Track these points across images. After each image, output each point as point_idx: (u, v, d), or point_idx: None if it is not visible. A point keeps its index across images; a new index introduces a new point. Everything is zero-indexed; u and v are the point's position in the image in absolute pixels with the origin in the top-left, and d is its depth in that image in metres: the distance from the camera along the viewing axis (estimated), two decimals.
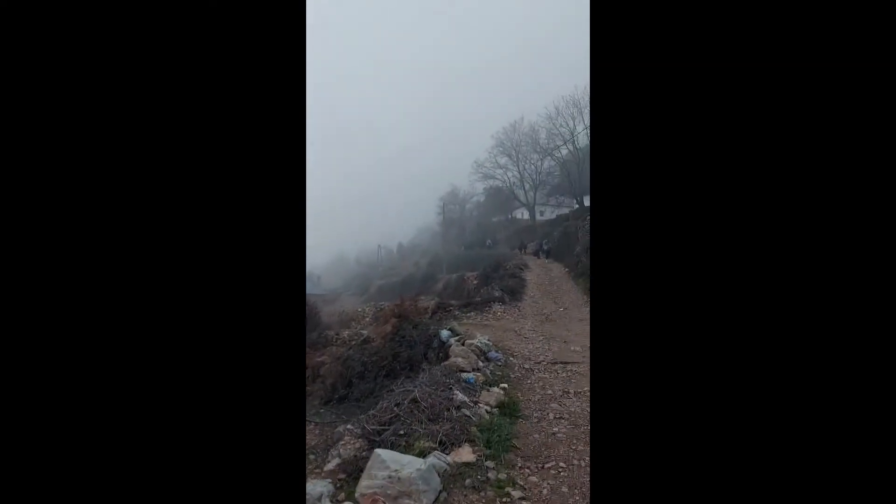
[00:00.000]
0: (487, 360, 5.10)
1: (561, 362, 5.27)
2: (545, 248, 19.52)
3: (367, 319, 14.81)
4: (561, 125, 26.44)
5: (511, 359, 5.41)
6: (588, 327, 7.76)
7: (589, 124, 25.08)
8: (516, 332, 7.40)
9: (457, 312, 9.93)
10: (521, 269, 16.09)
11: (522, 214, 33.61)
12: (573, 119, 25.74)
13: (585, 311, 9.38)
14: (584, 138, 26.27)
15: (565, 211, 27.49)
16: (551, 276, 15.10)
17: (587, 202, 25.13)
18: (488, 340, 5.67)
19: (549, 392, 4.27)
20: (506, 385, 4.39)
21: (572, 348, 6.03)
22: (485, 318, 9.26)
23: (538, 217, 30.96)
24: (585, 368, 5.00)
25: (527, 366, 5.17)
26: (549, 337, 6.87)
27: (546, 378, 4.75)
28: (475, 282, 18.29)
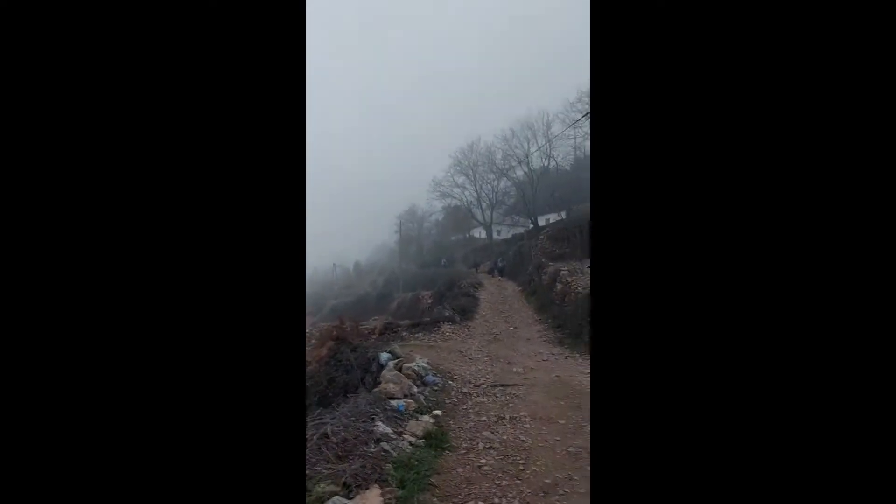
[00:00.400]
0: (424, 384, 4.80)
1: (501, 385, 5.07)
2: (500, 266, 19.63)
3: (315, 341, 14.09)
4: (516, 146, 27.17)
5: (450, 382, 5.14)
6: (534, 347, 7.72)
7: (542, 146, 25.95)
8: (462, 352, 7.17)
9: (405, 333, 9.59)
10: (476, 287, 16.02)
11: (480, 233, 33.90)
12: (528, 141, 26.53)
13: (534, 330, 9.35)
14: (537, 160, 27.11)
15: (521, 230, 27.99)
16: (504, 295, 15.09)
17: (541, 222, 25.74)
18: (427, 363, 5.38)
19: (483, 419, 4.03)
20: (439, 412, 4.11)
21: (514, 370, 5.86)
22: (433, 338, 8.98)
23: (495, 236, 31.30)
24: (524, 391, 4.83)
25: (465, 389, 4.92)
26: (493, 358, 6.69)
27: (483, 402, 4.51)
28: (430, 301, 18.03)
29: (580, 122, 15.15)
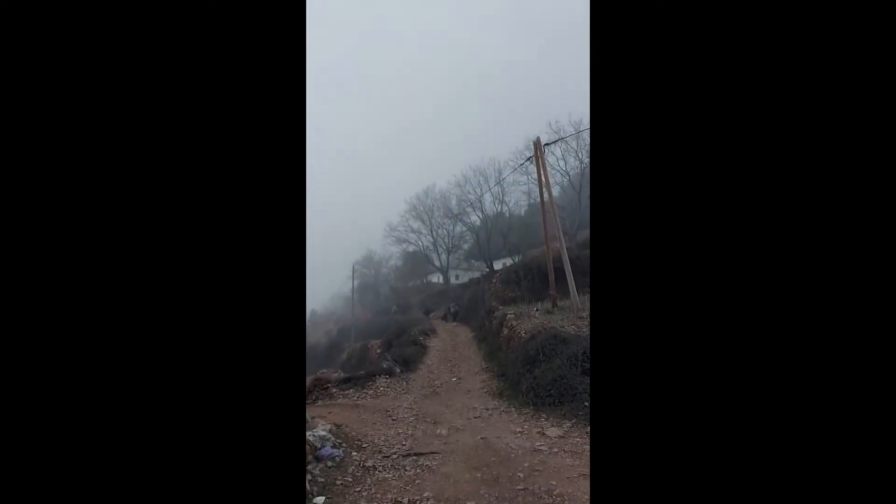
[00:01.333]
0: (317, 459, 3.95)
1: (415, 454, 4.28)
2: (453, 311, 19.04)
3: None
4: (469, 192, 27.52)
5: (354, 453, 4.30)
6: (471, 400, 6.99)
7: (494, 191, 26.41)
8: (388, 412, 6.32)
9: (335, 390, 8.59)
10: (427, 334, 15.31)
11: (438, 279, 33.39)
12: (480, 186, 26.95)
13: (478, 381, 8.65)
14: (490, 205, 27.49)
15: (477, 275, 27.73)
16: (456, 342, 14.40)
17: (497, 266, 25.65)
18: (330, 431, 4.53)
19: None
20: (321, 499, 3.28)
21: (438, 431, 5.09)
22: (363, 395, 8.06)
23: (453, 281, 30.88)
24: (440, 460, 4.07)
25: (370, 462, 4.10)
26: (421, 417, 5.89)
27: (386, 480, 3.71)
28: (378, 350, 17.03)
29: (524, 164, 15.48)
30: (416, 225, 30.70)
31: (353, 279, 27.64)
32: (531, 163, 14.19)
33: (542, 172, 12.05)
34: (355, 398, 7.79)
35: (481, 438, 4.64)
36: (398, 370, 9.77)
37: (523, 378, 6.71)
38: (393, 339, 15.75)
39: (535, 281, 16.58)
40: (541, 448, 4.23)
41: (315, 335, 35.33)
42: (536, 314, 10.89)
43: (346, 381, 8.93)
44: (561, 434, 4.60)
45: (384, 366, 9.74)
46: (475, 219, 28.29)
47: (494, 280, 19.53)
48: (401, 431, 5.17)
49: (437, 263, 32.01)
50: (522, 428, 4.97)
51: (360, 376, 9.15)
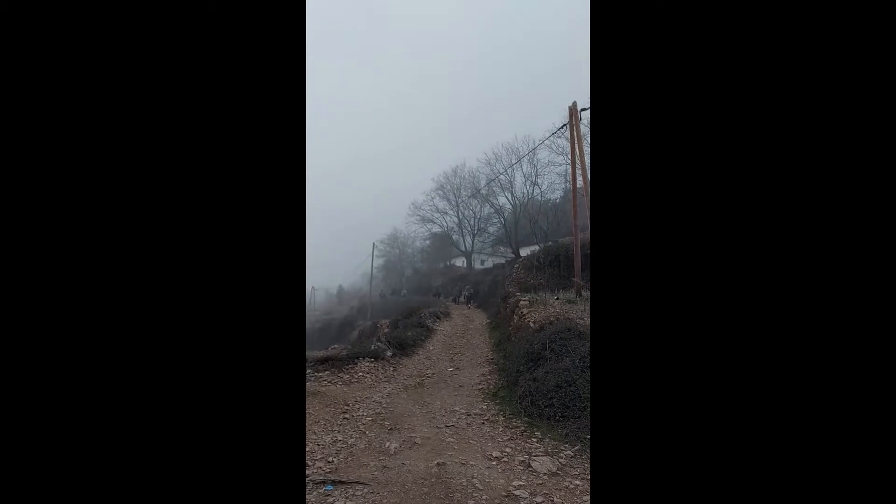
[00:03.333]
0: None
1: (333, 481, 2.96)
2: (466, 294, 17.74)
3: None
4: (500, 172, 25.65)
5: None
6: (456, 400, 5.59)
7: (526, 171, 24.45)
8: (346, 406, 5.05)
9: (308, 370, 7.46)
10: (439, 317, 14.08)
11: (463, 263, 31.98)
12: (511, 167, 25.03)
13: (477, 374, 7.23)
14: (521, 187, 25.55)
15: (502, 261, 26.08)
16: (468, 327, 13.07)
17: (524, 253, 23.86)
18: None
19: None
20: None
21: (388, 444, 3.74)
22: (337, 379, 6.83)
23: (478, 266, 29.37)
24: (364, 498, 2.71)
25: None
26: (380, 418, 4.57)
27: None
28: (386, 329, 16.11)
29: (557, 136, 13.67)
30: (441, 205, 29.28)
31: (372, 257, 26.74)
32: (565, 132, 12.34)
33: (575, 142, 10.27)
34: (325, 383, 6.59)
35: (437, 464, 3.24)
36: (389, 353, 8.50)
37: (521, 378, 5.24)
38: (401, 320, 14.69)
39: (560, 268, 14.92)
40: (518, 493, 2.79)
41: (339, 311, 35.16)
42: (556, 303, 9.29)
43: (324, 361, 7.75)
44: (554, 469, 3.14)
45: (371, 347, 8.50)
46: (504, 200, 26.47)
47: (516, 265, 17.94)
48: (339, 439, 3.86)
49: (462, 247, 30.57)
50: (503, 451, 3.53)
51: (341, 358, 7.94)
